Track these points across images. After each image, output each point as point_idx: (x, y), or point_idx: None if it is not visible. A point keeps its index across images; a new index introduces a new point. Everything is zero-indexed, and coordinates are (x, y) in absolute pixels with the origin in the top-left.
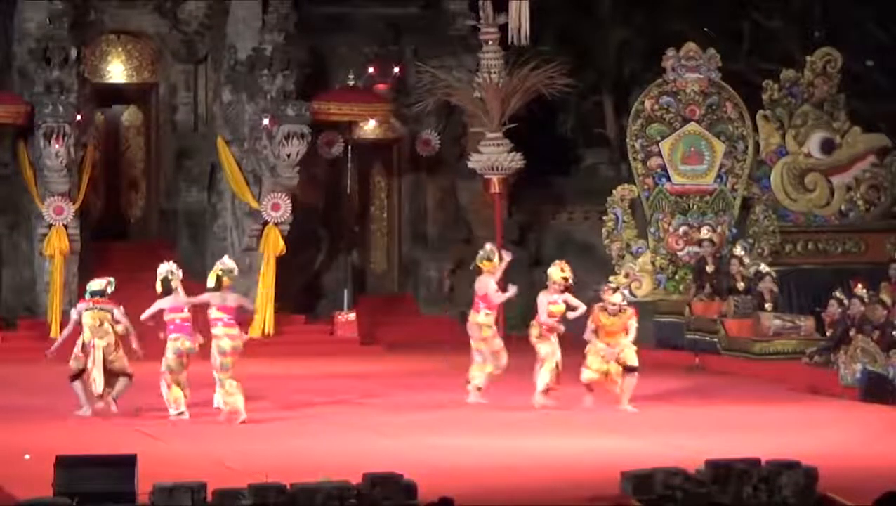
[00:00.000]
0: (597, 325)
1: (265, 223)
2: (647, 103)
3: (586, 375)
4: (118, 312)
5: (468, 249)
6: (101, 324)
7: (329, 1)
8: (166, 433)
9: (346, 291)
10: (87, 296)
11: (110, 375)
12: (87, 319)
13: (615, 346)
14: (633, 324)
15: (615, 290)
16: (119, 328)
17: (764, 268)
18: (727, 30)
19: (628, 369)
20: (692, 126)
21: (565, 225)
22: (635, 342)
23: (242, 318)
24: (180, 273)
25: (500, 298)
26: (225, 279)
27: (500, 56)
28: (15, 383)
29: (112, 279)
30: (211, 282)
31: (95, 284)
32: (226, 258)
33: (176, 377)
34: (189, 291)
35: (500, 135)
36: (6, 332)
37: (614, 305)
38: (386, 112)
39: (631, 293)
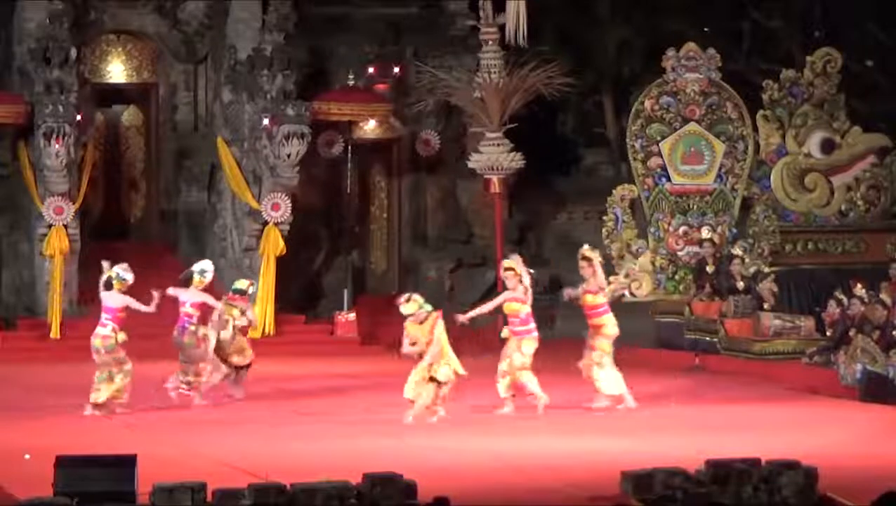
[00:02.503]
0: (410, 337)
1: (265, 223)
2: (647, 103)
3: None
4: (249, 312)
5: (468, 249)
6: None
7: (329, 1)
8: (166, 433)
9: (346, 291)
10: (231, 292)
11: (226, 364)
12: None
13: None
14: (438, 331)
15: (408, 299)
16: (242, 321)
17: (764, 268)
18: (727, 30)
19: (434, 380)
20: (692, 126)
21: (565, 225)
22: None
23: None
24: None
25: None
26: (115, 282)
27: (499, 56)
28: (15, 382)
29: (255, 282)
30: None
31: (239, 282)
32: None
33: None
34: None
35: (500, 135)
36: (6, 332)
37: (413, 315)
38: (386, 112)
39: (631, 293)
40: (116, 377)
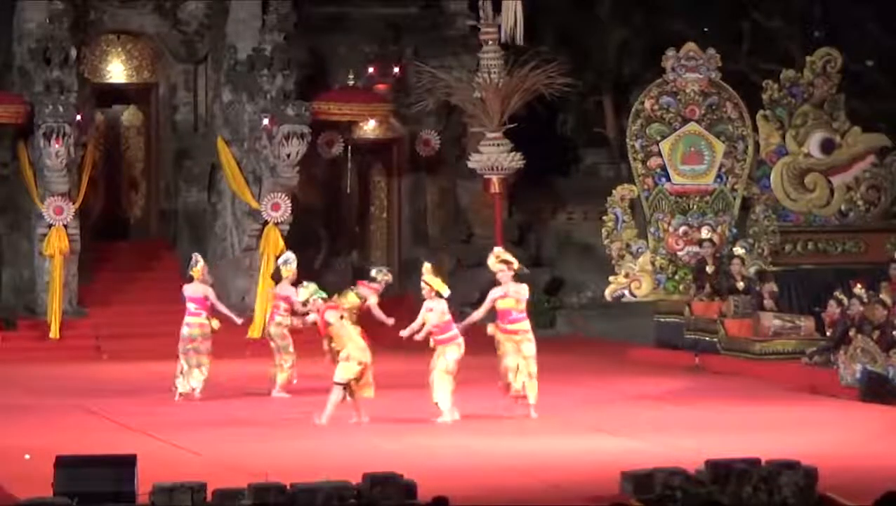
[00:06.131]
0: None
1: (265, 223)
2: (647, 103)
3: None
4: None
5: (468, 249)
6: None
7: (329, 1)
8: (166, 433)
9: None
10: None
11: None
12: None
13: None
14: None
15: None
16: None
17: (765, 269)
18: (727, 30)
19: None
20: (692, 126)
21: (565, 225)
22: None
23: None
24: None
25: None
26: (283, 271)
27: (499, 56)
28: (15, 382)
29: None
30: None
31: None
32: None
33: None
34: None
35: (500, 135)
36: (6, 332)
37: (308, 303)
38: (386, 112)
39: (631, 293)
40: (286, 363)
